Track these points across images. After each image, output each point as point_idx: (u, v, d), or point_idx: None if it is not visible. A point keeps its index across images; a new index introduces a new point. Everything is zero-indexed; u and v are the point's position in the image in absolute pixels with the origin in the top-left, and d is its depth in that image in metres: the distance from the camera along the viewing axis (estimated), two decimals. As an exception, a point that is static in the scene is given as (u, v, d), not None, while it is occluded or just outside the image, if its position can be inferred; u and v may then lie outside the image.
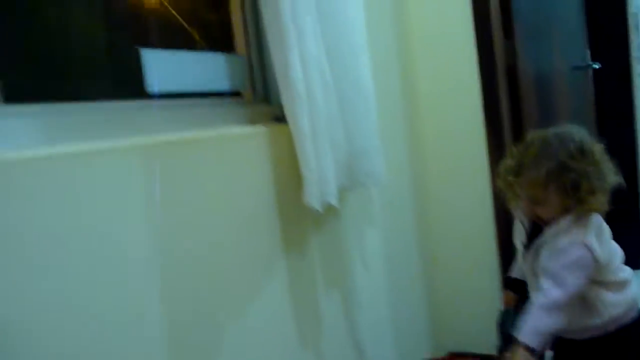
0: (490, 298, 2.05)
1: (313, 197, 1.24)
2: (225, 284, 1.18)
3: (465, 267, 2.15)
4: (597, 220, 1.39)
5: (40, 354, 0.83)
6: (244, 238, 1.23)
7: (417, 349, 2.01)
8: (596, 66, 2.82)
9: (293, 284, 1.37)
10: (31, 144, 0.93)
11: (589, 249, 1.35)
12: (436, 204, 2.14)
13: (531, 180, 1.36)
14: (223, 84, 1.42)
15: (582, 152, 1.34)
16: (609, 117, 3.00)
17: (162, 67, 1.25)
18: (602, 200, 1.35)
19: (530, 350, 1.31)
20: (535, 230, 1.44)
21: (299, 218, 1.37)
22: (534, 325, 1.35)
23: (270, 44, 1.24)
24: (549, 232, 1.38)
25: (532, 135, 1.45)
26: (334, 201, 1.29)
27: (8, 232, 0.80)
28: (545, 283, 1.35)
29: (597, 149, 1.36)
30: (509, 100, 2.07)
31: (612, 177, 1.36)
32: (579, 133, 1.38)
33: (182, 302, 1.07)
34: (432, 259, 2.16)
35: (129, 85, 1.26)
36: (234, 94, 1.47)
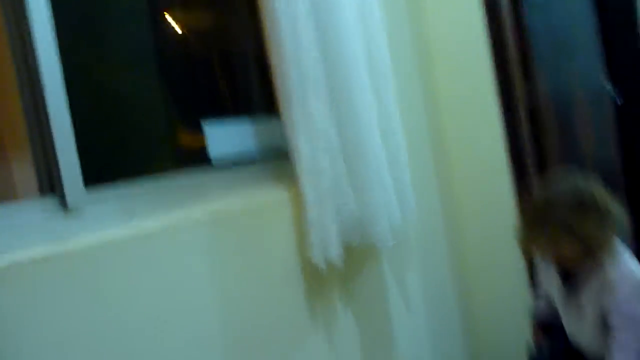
0: (523, 326, 2.16)
1: (317, 256, 1.33)
2: (275, 337, 1.32)
3: (500, 303, 2.25)
4: (626, 252, 1.48)
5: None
6: (290, 296, 1.36)
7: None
8: (618, 102, 2.85)
9: (343, 328, 1.51)
10: (112, 224, 1.07)
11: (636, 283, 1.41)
12: (469, 242, 2.26)
13: (542, 241, 1.45)
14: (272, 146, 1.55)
15: (582, 203, 1.41)
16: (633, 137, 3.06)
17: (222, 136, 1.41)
18: (611, 237, 1.42)
19: None
20: (566, 275, 1.53)
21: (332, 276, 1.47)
22: None
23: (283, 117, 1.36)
24: (594, 285, 1.44)
25: (534, 197, 1.57)
26: (336, 260, 1.36)
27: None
28: (620, 332, 1.40)
29: (598, 193, 1.42)
30: (531, 137, 2.21)
31: (616, 215, 1.41)
32: (578, 184, 1.46)
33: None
34: (467, 288, 2.28)
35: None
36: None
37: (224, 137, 1.44)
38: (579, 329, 1.52)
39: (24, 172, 1.15)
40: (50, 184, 1.00)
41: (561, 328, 1.60)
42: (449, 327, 2.14)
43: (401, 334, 1.78)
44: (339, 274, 1.48)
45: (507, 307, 2.22)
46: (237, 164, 1.44)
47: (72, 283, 0.90)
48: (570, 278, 1.50)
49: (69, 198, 0.98)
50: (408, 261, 1.88)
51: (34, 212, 0.96)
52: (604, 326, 1.45)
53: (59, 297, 0.88)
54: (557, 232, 1.40)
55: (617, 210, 1.43)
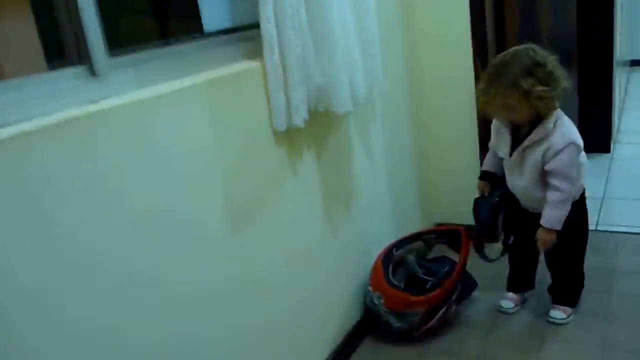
0: (471, 179, 2.51)
1: (277, 121, 1.52)
2: (269, 178, 1.60)
3: (451, 154, 2.60)
4: (565, 116, 1.79)
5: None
6: (273, 150, 1.62)
7: (409, 223, 2.49)
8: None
9: (313, 175, 1.80)
10: (134, 88, 1.24)
11: (577, 145, 1.77)
12: (428, 102, 2.55)
13: (499, 93, 1.73)
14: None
15: (537, 64, 1.70)
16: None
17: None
18: (555, 101, 1.74)
19: (554, 231, 1.82)
20: (517, 134, 1.84)
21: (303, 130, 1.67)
22: (556, 215, 1.81)
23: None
24: (536, 135, 1.77)
25: (495, 58, 1.82)
26: (300, 124, 1.55)
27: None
28: (556, 182, 1.78)
29: (550, 60, 1.72)
30: (494, 19, 2.40)
31: (563, 81, 1.74)
32: (533, 49, 1.73)
33: (239, 191, 1.48)
34: (423, 145, 2.60)
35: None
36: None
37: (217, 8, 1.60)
38: (519, 181, 1.88)
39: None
40: (78, 53, 1.18)
41: (503, 178, 1.96)
42: (405, 175, 2.50)
43: (364, 181, 2.10)
44: (310, 133, 1.73)
45: (457, 160, 2.58)
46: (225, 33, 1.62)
47: (104, 139, 1.12)
48: (519, 138, 1.81)
49: (96, 66, 1.18)
50: (373, 122, 2.15)
51: (66, 79, 1.15)
52: (540, 180, 1.82)
53: (92, 152, 1.09)
54: (509, 89, 1.69)
55: (565, 79, 1.72)
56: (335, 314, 1.96)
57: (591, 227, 2.23)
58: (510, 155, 1.86)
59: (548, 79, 1.70)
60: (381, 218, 2.26)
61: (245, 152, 1.50)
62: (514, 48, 1.78)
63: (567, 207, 1.82)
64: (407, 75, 2.42)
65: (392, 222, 2.34)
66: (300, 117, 1.55)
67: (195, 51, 1.46)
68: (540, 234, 1.83)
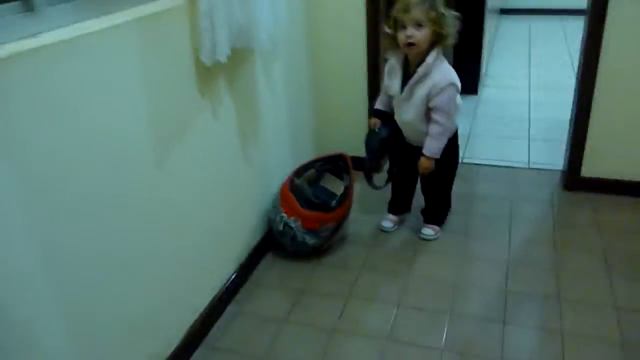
0: (360, 116, 2.81)
1: (205, 56, 1.68)
2: (182, 116, 1.75)
3: (343, 92, 2.86)
4: (446, 61, 2.12)
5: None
6: (193, 87, 1.77)
7: (305, 152, 2.75)
8: None
9: (226, 110, 1.97)
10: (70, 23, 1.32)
11: (456, 86, 2.10)
12: (325, 45, 2.76)
13: (414, 6, 2.01)
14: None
15: (445, 6, 2.04)
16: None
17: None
18: (452, 41, 2.07)
19: (434, 159, 2.16)
20: (406, 74, 2.13)
21: (220, 70, 1.87)
22: (437, 145, 2.15)
23: None
24: (421, 70, 2.07)
25: None
26: (223, 59, 1.71)
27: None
28: (438, 116, 2.11)
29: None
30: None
31: (456, 25, 2.07)
32: None
33: (163, 122, 1.62)
34: (319, 84, 2.83)
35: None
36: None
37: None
38: (407, 115, 2.19)
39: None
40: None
41: (392, 116, 2.26)
42: (302, 110, 2.73)
43: (266, 115, 2.29)
44: (224, 69, 1.89)
45: (348, 97, 2.85)
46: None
47: (42, 73, 1.19)
48: (408, 76, 2.11)
49: (33, 1, 1.25)
50: (276, 60, 2.33)
51: (3, 13, 1.22)
52: (424, 114, 2.15)
53: (29, 84, 1.17)
54: (428, 9, 2.01)
55: (457, 24, 2.08)
56: (241, 235, 2.19)
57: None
58: (402, 92, 2.14)
59: (451, 20, 2.06)
60: (281, 149, 2.49)
61: (169, 86, 1.64)
62: None
63: (445, 140, 2.17)
64: (306, 18, 2.61)
65: (290, 153, 2.57)
66: (223, 54, 1.71)
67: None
68: (422, 162, 2.17)
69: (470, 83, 4.09)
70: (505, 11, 6.70)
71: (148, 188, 1.59)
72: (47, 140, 1.23)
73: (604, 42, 2.45)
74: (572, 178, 2.75)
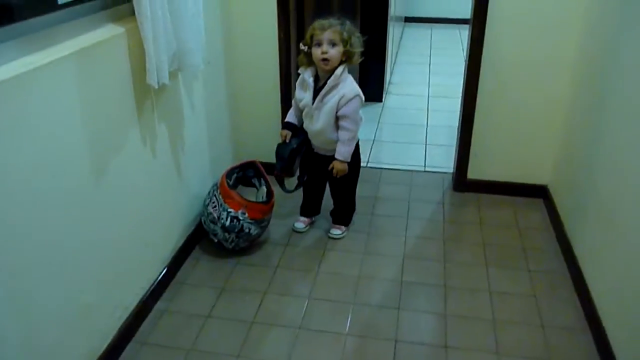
0: (274, 126, 3.06)
1: (152, 79, 1.92)
2: (117, 134, 1.93)
3: (257, 106, 3.13)
4: (350, 76, 2.43)
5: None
6: (127, 108, 1.96)
7: (224, 160, 2.97)
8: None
9: (155, 128, 2.17)
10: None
11: (361, 97, 2.40)
12: (240, 64, 3.01)
13: (330, 28, 2.32)
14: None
15: (353, 28, 2.38)
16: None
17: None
18: (355, 58, 2.39)
19: (346, 163, 2.44)
20: (317, 85, 2.42)
21: (151, 92, 2.07)
22: (348, 150, 2.44)
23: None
24: (330, 82, 2.37)
25: (318, 20, 2.38)
26: (166, 81, 1.98)
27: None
28: (346, 124, 2.40)
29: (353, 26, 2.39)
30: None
31: (362, 45, 2.40)
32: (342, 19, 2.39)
33: (99, 141, 1.80)
34: (235, 98, 3.07)
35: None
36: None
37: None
38: (317, 124, 2.46)
39: None
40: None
41: (301, 128, 2.53)
42: (220, 123, 2.95)
43: (189, 128, 2.51)
44: (153, 90, 2.10)
45: (263, 110, 3.11)
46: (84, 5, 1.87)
47: None
48: (320, 88, 2.40)
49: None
50: (196, 80, 2.55)
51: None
52: (332, 123, 2.43)
53: None
54: (342, 30, 2.33)
55: (362, 47, 2.40)
56: (167, 238, 2.40)
57: (363, 164, 2.95)
58: (313, 102, 2.43)
59: (359, 41, 2.39)
60: (202, 159, 2.70)
61: (106, 109, 1.83)
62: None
63: (354, 145, 2.48)
64: (222, 37, 2.84)
65: (209, 162, 2.79)
66: (165, 76, 1.98)
67: (64, 19, 1.72)
68: (336, 165, 2.46)
69: (375, 91, 4.45)
70: (409, 19, 7.16)
71: (85, 200, 1.77)
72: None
73: (484, 51, 2.80)
74: (460, 180, 3.15)
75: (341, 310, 2.26)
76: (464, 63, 2.97)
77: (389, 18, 4.33)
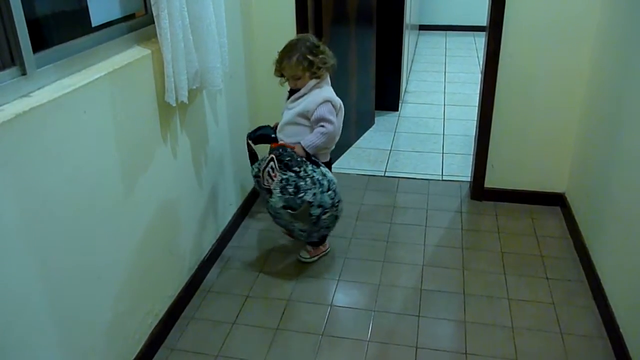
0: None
1: (170, 97, 2.00)
2: (145, 151, 2.02)
3: (279, 117, 3.17)
4: (329, 84, 2.48)
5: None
6: (154, 126, 2.05)
7: (246, 172, 3.04)
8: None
9: (181, 143, 2.25)
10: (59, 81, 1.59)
11: (332, 101, 2.42)
12: (262, 76, 3.08)
13: (288, 66, 2.38)
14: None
15: (315, 46, 2.40)
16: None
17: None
18: (326, 72, 2.43)
19: (305, 152, 2.41)
20: (292, 95, 2.48)
21: (176, 109, 2.15)
22: (314, 141, 2.41)
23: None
24: (300, 92, 2.43)
25: (286, 43, 2.44)
26: (185, 100, 2.05)
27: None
28: (323, 122, 2.41)
29: (322, 44, 2.43)
30: (313, 5, 2.98)
31: (332, 59, 2.44)
32: (312, 37, 2.45)
33: (130, 158, 1.89)
34: (256, 112, 3.14)
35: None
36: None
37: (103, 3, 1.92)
38: (282, 120, 2.51)
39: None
40: (10, 57, 1.48)
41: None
42: (243, 137, 3.01)
43: (213, 141, 2.59)
44: (179, 107, 2.18)
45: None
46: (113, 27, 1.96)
47: (37, 128, 1.47)
48: (294, 91, 2.47)
49: (26, 66, 1.49)
50: (220, 95, 2.63)
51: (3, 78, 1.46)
52: (294, 126, 2.46)
53: (29, 137, 1.44)
54: (298, 63, 2.36)
55: (332, 57, 2.44)
56: (194, 248, 2.48)
57: (380, 173, 3.00)
58: (286, 108, 2.50)
59: (323, 56, 2.40)
60: (225, 171, 2.79)
61: (136, 126, 1.92)
62: (298, 35, 2.51)
63: (324, 141, 2.43)
64: (244, 53, 2.92)
65: (233, 174, 2.87)
66: (184, 95, 2.05)
67: (97, 42, 1.82)
68: (297, 147, 2.41)
69: (391, 100, 4.51)
70: (423, 27, 7.22)
71: (117, 214, 1.86)
72: (43, 182, 1.49)
73: (500, 63, 2.85)
74: (478, 189, 3.20)
75: (362, 317, 2.32)
76: (479, 70, 3.03)
77: (404, 27, 4.40)
